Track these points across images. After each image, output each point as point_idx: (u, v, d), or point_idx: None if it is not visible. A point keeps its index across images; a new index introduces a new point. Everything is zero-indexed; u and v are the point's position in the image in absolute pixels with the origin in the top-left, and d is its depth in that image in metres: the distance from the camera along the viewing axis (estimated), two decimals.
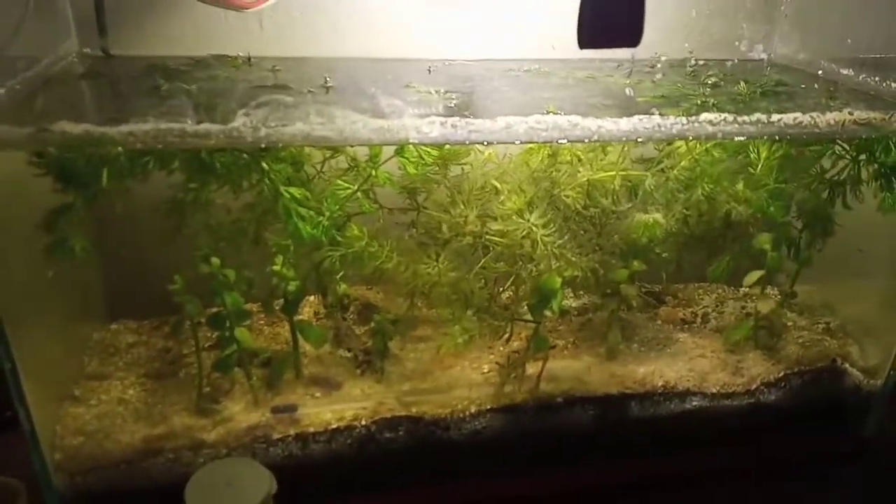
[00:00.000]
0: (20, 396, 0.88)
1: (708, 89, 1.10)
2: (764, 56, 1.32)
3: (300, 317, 1.12)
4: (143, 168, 0.83)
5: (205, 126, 0.77)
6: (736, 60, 1.27)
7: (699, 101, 1.01)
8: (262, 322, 1.22)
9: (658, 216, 1.03)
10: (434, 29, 1.19)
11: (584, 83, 1.13)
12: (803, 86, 1.16)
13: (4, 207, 0.84)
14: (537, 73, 1.18)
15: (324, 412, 1.04)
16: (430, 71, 1.13)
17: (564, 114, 0.88)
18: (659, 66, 1.19)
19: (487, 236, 0.99)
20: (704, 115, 0.90)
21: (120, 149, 0.76)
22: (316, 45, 1.16)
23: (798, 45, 1.30)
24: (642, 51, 1.20)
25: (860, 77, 1.13)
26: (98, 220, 1.01)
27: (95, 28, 1.09)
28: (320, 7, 1.15)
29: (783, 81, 1.18)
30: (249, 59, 1.11)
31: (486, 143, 0.90)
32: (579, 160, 1.00)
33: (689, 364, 1.18)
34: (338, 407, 1.05)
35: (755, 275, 1.16)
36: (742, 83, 1.11)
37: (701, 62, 1.21)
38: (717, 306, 1.35)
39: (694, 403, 1.14)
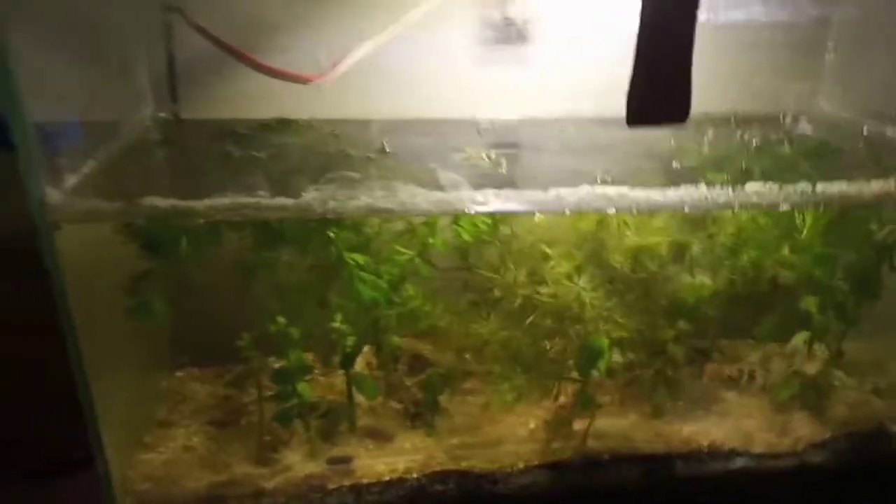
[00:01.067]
0: (98, 441, 0.94)
1: (753, 151, 1.12)
2: (808, 115, 1.34)
3: (354, 369, 1.17)
4: (218, 236, 0.90)
5: (278, 199, 0.83)
6: (780, 119, 1.29)
7: (744, 166, 1.04)
8: (317, 372, 1.27)
9: (705, 278, 1.06)
10: (481, 88, 1.23)
11: (630, 145, 1.15)
12: (848, 146, 1.18)
13: (95, 269, 0.92)
14: (584, 132, 1.21)
15: (377, 464, 1.08)
16: (479, 132, 1.18)
17: (612, 182, 0.92)
18: (703, 125, 1.21)
19: (537, 297, 1.03)
20: (749, 186, 0.93)
21: (202, 221, 0.83)
22: (370, 107, 1.21)
23: (841, 101, 1.32)
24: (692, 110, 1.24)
25: None
26: (173, 278, 1.08)
27: (168, 93, 1.18)
28: (375, 72, 1.19)
29: (826, 142, 1.20)
30: (311, 122, 1.18)
31: (537, 213, 0.94)
32: (626, 224, 1.03)
33: (735, 423, 1.19)
34: (390, 459, 1.09)
35: (801, 336, 1.17)
36: (786, 144, 1.13)
37: (744, 121, 1.23)
38: (763, 363, 1.34)
39: (739, 464, 1.14)
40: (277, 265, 0.97)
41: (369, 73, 1.19)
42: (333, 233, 0.92)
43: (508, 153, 1.07)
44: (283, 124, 1.17)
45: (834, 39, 1.33)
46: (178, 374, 1.27)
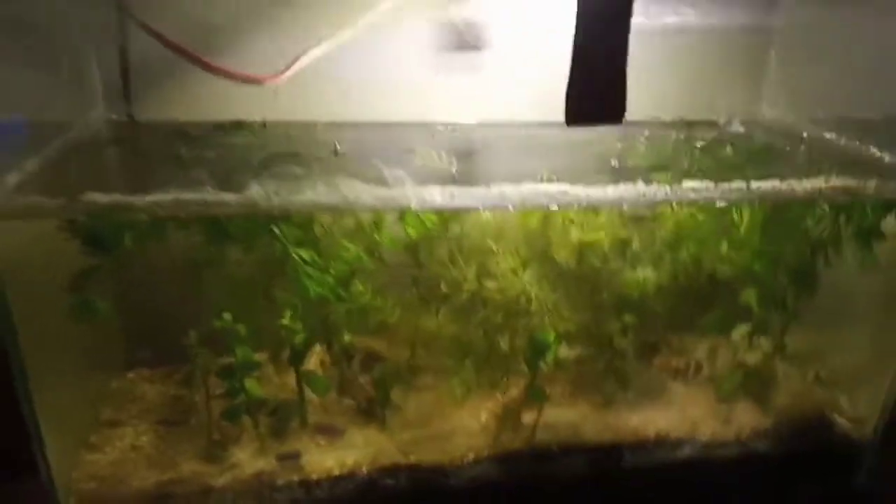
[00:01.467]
0: (40, 443, 0.93)
1: (696, 153, 1.16)
2: (751, 120, 1.38)
3: (306, 367, 1.17)
4: (162, 232, 0.90)
5: (222, 195, 0.84)
6: (724, 124, 1.33)
7: (686, 167, 1.08)
8: (269, 370, 1.27)
9: (649, 273, 1.09)
10: (438, 94, 1.25)
11: (579, 147, 1.18)
12: (788, 149, 1.22)
13: (35, 267, 0.91)
14: (536, 137, 1.24)
15: (327, 459, 1.09)
16: (433, 135, 1.20)
17: (557, 180, 0.94)
18: (650, 131, 1.24)
19: (485, 292, 1.05)
20: (687, 183, 0.96)
21: (144, 217, 0.83)
22: (326, 110, 1.22)
23: (784, 107, 1.36)
24: (635, 114, 1.28)
25: (842, 141, 1.19)
26: (117, 274, 1.07)
27: (121, 95, 1.17)
28: (329, 75, 1.20)
29: (769, 145, 1.25)
30: (265, 124, 1.18)
31: (481, 208, 0.96)
32: (571, 221, 1.06)
33: (681, 413, 1.22)
34: (340, 454, 1.10)
35: (742, 328, 1.21)
36: (729, 147, 1.17)
37: (690, 126, 1.26)
38: (710, 356, 1.38)
39: (685, 452, 1.17)
40: (224, 262, 0.97)
41: (325, 77, 1.19)
42: (279, 229, 0.92)
43: (460, 154, 1.09)
44: (237, 126, 1.17)
45: (776, 46, 1.37)
46: (130, 375, 1.26)
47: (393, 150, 1.10)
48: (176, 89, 1.19)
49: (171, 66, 1.16)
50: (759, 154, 1.18)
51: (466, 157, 1.11)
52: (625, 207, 1.00)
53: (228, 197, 0.84)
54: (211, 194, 0.84)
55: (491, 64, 1.24)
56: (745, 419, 1.23)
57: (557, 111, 1.26)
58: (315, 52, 1.11)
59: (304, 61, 1.11)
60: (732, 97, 1.37)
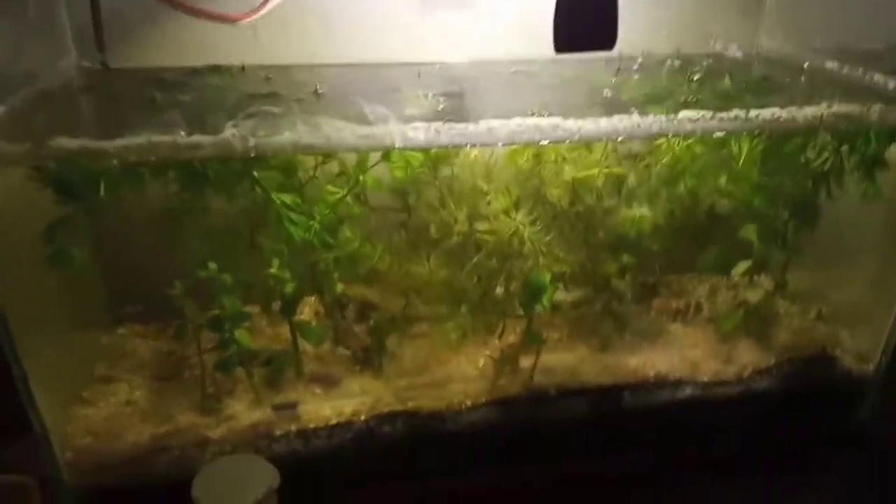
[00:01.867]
0: (30, 399, 0.92)
1: (693, 85, 1.11)
2: (749, 51, 1.33)
3: (300, 317, 1.16)
4: (138, 179, 0.86)
5: (195, 137, 0.80)
6: (721, 56, 1.28)
7: (683, 98, 1.03)
8: (264, 323, 1.25)
9: (645, 211, 1.06)
10: (424, 32, 1.21)
11: (572, 83, 1.15)
12: (788, 79, 1.18)
13: (10, 220, 0.88)
14: (525, 73, 1.19)
15: (324, 408, 1.07)
16: (419, 75, 1.16)
17: (548, 115, 0.90)
18: (645, 64, 1.20)
19: (477, 235, 1.02)
20: (683, 113, 0.92)
21: (115, 162, 0.79)
22: (308, 51, 1.18)
23: (783, 38, 1.31)
24: (630, 48, 1.23)
25: (844, 69, 1.15)
26: (99, 228, 1.05)
27: (94, 42, 1.12)
28: (312, 14, 1.17)
29: (768, 76, 1.20)
30: (244, 67, 1.14)
31: (469, 146, 0.92)
32: (564, 159, 1.02)
33: (682, 354, 1.21)
34: (337, 403, 1.09)
35: (743, 265, 1.18)
36: (727, 78, 1.13)
37: (686, 59, 1.22)
38: (709, 296, 1.36)
39: (686, 393, 1.16)
40: (205, 210, 0.94)
41: (306, 17, 1.16)
42: (259, 172, 0.89)
43: (447, 93, 1.05)
44: (214, 70, 1.13)
45: None
46: (121, 330, 1.25)
47: (377, 90, 1.06)
48: (151, 34, 1.14)
49: (144, 9, 1.12)
50: (758, 84, 1.13)
51: (453, 96, 1.06)
52: (619, 140, 0.96)
53: (202, 139, 0.81)
54: (183, 137, 0.80)
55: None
56: (747, 358, 1.21)
57: (549, 47, 1.24)
58: None
59: None
60: (728, 27, 1.31)
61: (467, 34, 1.22)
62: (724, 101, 0.99)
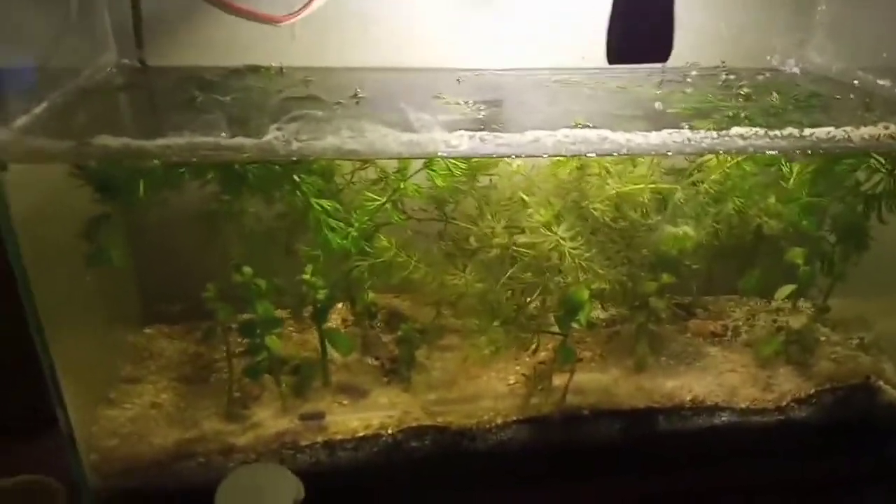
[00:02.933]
0: (59, 399, 0.91)
1: (740, 101, 1.08)
2: (797, 67, 1.30)
3: (328, 324, 1.14)
4: (179, 179, 0.85)
5: (238, 140, 0.79)
6: (768, 71, 1.26)
7: (731, 114, 1.00)
8: (291, 329, 1.23)
9: (688, 229, 1.03)
10: (464, 39, 1.20)
11: (615, 94, 1.12)
12: (838, 97, 1.14)
13: (46, 216, 0.87)
14: (567, 83, 1.17)
15: (351, 420, 1.05)
16: (459, 81, 1.14)
17: (594, 127, 0.88)
18: (690, 76, 1.18)
19: (515, 248, 0.99)
20: (735, 129, 0.89)
21: (157, 161, 0.78)
22: (347, 54, 1.17)
23: (832, 54, 1.28)
24: (673, 60, 1.20)
25: None
26: (134, 227, 1.04)
27: (133, 39, 1.11)
28: (352, 17, 1.16)
29: (817, 93, 1.16)
30: (282, 69, 1.13)
31: (513, 156, 0.90)
32: (608, 172, 0.99)
33: (719, 378, 1.17)
34: (364, 415, 1.06)
35: (787, 289, 1.14)
36: (775, 94, 1.10)
37: (733, 73, 1.19)
38: (748, 319, 1.33)
39: (722, 419, 1.12)
40: (243, 213, 0.93)
41: (344, 19, 1.15)
42: (300, 176, 0.87)
43: (488, 100, 1.03)
44: (254, 71, 1.13)
45: None
46: (147, 330, 1.23)
47: (417, 96, 1.04)
48: (189, 33, 1.14)
49: (183, 8, 1.12)
50: (807, 101, 1.10)
51: (494, 104, 1.05)
52: (669, 155, 0.93)
53: (244, 141, 0.79)
54: (225, 138, 0.79)
55: (521, 6, 1.18)
56: (786, 385, 1.17)
57: (590, 55, 1.21)
58: None
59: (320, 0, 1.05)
60: (776, 42, 1.29)
61: (506, 41, 1.21)
62: (773, 118, 0.97)
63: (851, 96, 1.14)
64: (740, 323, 1.31)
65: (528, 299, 1.05)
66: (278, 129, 0.80)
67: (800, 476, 1.15)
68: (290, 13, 1.05)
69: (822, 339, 1.25)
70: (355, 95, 1.00)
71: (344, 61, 1.17)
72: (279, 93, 1.03)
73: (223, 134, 0.79)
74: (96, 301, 1.05)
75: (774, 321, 1.29)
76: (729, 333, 1.29)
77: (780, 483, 1.14)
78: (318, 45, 1.15)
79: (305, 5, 1.07)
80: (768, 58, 1.27)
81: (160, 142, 0.77)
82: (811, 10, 1.28)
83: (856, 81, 1.19)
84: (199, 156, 0.79)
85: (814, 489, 1.13)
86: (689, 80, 1.17)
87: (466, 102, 1.01)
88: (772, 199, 1.04)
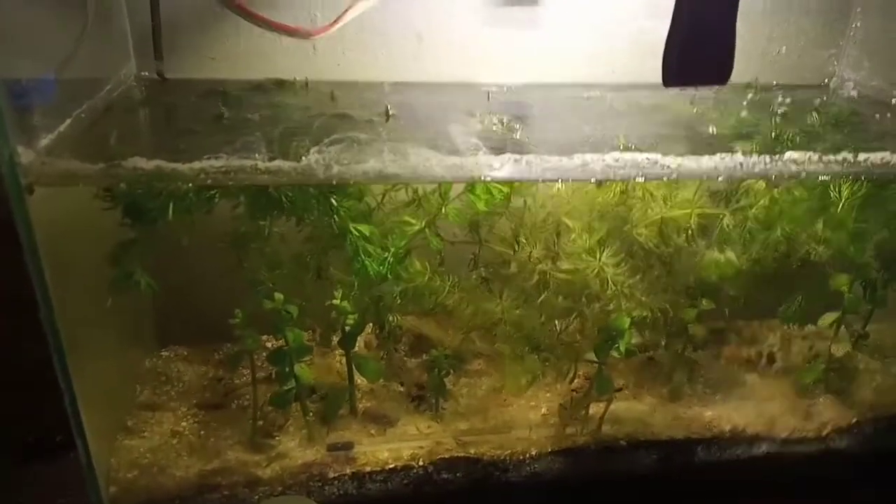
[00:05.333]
0: (79, 428, 0.86)
1: (778, 119, 1.05)
2: (833, 84, 1.27)
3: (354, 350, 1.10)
4: (210, 202, 0.81)
5: (277, 163, 0.75)
6: (801, 87, 1.23)
7: (772, 134, 0.97)
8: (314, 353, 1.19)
9: (731, 255, 0.99)
10: (489, 53, 1.16)
11: (649, 112, 1.09)
12: (877, 115, 1.11)
13: (68, 237, 0.83)
14: (599, 99, 1.14)
15: (380, 451, 1.01)
16: (489, 97, 1.11)
17: (636, 149, 0.84)
18: (724, 93, 1.14)
19: (554, 273, 0.95)
20: (789, 154, 0.86)
21: (189, 185, 0.74)
22: (370, 68, 1.14)
23: (868, 71, 1.25)
24: None
25: None
26: (158, 249, 1.00)
27: (152, 51, 1.08)
28: (374, 30, 1.13)
29: (856, 111, 1.14)
30: (307, 83, 1.10)
31: (561, 181, 0.86)
32: (651, 196, 0.96)
33: (758, 407, 1.13)
34: (394, 445, 1.02)
35: (830, 317, 1.10)
36: (814, 114, 1.07)
37: (765, 90, 1.16)
38: (782, 346, 1.29)
39: (763, 449, 1.09)
40: (274, 236, 0.89)
41: (366, 33, 1.12)
42: (336, 201, 0.83)
43: (521, 119, 1.00)
44: (278, 85, 1.09)
45: (859, 6, 1.25)
46: (164, 353, 1.19)
47: (448, 113, 1.00)
48: (209, 45, 1.11)
49: (203, 20, 1.09)
50: (847, 122, 1.07)
51: (527, 121, 1.01)
52: (720, 181, 0.89)
53: (283, 164, 0.75)
54: (263, 161, 0.75)
55: (547, 19, 1.15)
56: (827, 414, 1.13)
57: (619, 71, 1.18)
58: (365, 4, 1.02)
59: (353, 13, 1.02)
60: (809, 58, 1.25)
61: (534, 56, 1.18)
62: (814, 140, 0.94)
63: (889, 115, 1.11)
64: (775, 350, 1.27)
65: (567, 326, 1.01)
66: (318, 152, 0.76)
67: None
68: (321, 27, 1.02)
69: (862, 366, 1.22)
70: (386, 112, 0.97)
71: (366, 75, 1.14)
72: (307, 109, 1.00)
73: (259, 156, 0.76)
74: (113, 322, 1.00)
75: (810, 348, 1.26)
76: (763, 360, 1.26)
77: None
78: (339, 60, 1.13)
79: (337, 19, 1.03)
80: (800, 73, 1.24)
81: (196, 165, 0.73)
82: (844, 25, 1.25)
83: (894, 100, 1.16)
84: (236, 179, 0.75)
85: None
86: (721, 96, 1.13)
87: (501, 121, 0.97)
88: (820, 226, 1.00)
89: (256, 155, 0.75)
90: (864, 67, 1.26)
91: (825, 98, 1.22)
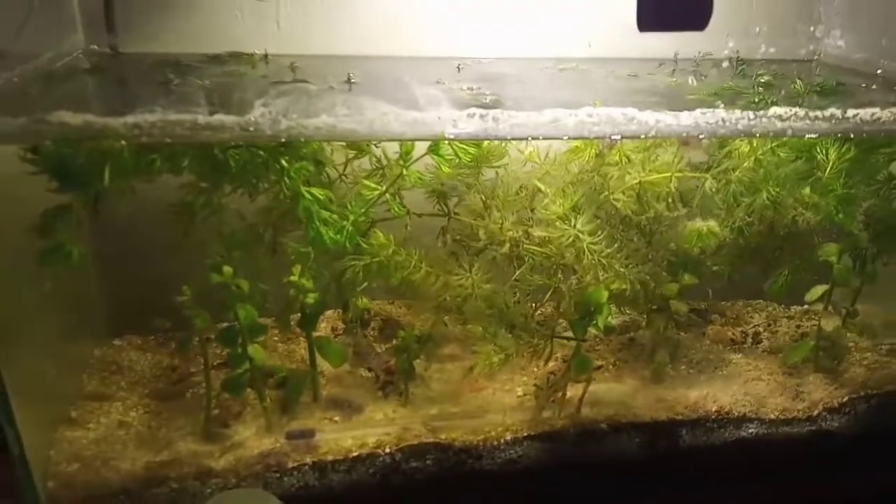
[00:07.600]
0: (9, 418, 0.79)
1: (761, 88, 1.01)
2: (816, 56, 1.24)
3: (318, 333, 1.03)
4: (149, 166, 0.74)
5: (218, 117, 0.69)
6: (786, 61, 1.19)
7: (755, 100, 0.93)
8: (276, 339, 1.13)
9: (713, 224, 0.94)
10: (460, 26, 1.13)
11: (627, 81, 1.05)
12: (863, 85, 1.08)
13: None
14: (574, 70, 1.10)
15: (343, 438, 0.95)
16: (459, 69, 1.06)
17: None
18: (703, 64, 1.11)
19: (527, 245, 0.89)
20: (773, 110, 0.81)
21: (123, 143, 0.67)
22: (335, 43, 1.11)
23: (853, 43, 1.22)
24: (683, 49, 1.14)
25: None
26: (99, 225, 0.93)
27: (104, 24, 1.03)
28: (339, 3, 1.09)
29: (841, 82, 1.10)
30: (266, 56, 1.05)
31: (530, 138, 0.81)
32: (629, 160, 0.90)
33: (745, 388, 1.08)
34: (359, 432, 0.96)
35: (819, 290, 1.05)
36: (798, 82, 1.03)
37: (747, 62, 1.12)
38: (768, 325, 1.24)
39: (751, 430, 1.03)
40: (222, 206, 0.82)
41: (331, 7, 1.08)
42: (287, 161, 0.77)
43: (493, 87, 0.95)
44: (235, 57, 1.04)
45: None
46: (116, 341, 1.12)
47: (415, 82, 0.95)
48: (165, 19, 1.06)
49: None
50: (833, 91, 1.03)
51: (500, 89, 0.96)
52: (701, 138, 0.84)
53: (226, 119, 0.69)
54: (204, 116, 0.68)
55: None
56: (816, 394, 1.08)
57: (596, 46, 1.14)
58: None
59: None
60: (793, 31, 1.22)
61: (505, 29, 1.15)
62: (801, 105, 0.89)
63: (874, 86, 1.07)
64: (761, 329, 1.23)
65: (539, 302, 0.95)
66: (264, 105, 0.70)
67: (835, 489, 1.05)
68: None
69: (851, 344, 1.17)
70: (348, 80, 0.91)
71: (332, 50, 1.10)
72: (264, 78, 0.94)
73: (201, 112, 0.69)
74: (54, 308, 0.93)
75: (798, 327, 1.21)
76: (749, 340, 1.21)
77: (814, 497, 1.04)
78: (305, 34, 1.09)
79: None
80: (782, 46, 1.20)
81: (128, 119, 0.67)
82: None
83: (879, 70, 1.12)
84: (173, 136, 0.68)
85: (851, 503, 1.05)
86: (701, 68, 1.10)
87: (470, 88, 0.93)
88: (807, 190, 0.95)
89: (196, 108, 0.69)
90: (848, 39, 1.23)
91: (810, 71, 1.18)
